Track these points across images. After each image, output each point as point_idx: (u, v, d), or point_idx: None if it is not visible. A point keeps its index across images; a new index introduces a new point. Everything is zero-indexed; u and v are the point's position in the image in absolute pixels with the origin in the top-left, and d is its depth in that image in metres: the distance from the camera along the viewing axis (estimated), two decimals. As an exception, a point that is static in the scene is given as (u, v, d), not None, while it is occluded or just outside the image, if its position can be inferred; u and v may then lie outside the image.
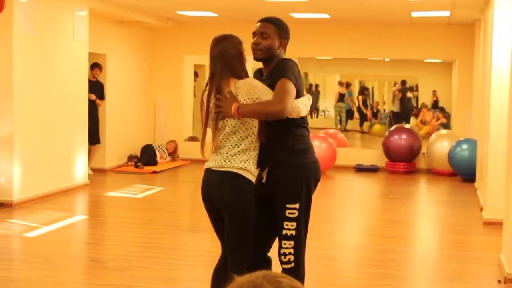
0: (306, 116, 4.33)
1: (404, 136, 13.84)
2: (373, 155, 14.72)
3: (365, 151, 16.10)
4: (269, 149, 4.23)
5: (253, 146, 4.20)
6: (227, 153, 4.20)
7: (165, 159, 14.25)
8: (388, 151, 13.96)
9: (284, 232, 4.27)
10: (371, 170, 14.19)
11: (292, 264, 4.32)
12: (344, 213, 10.10)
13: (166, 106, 15.26)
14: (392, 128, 14.50)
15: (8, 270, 6.68)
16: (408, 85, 22.07)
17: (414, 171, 13.98)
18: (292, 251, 4.30)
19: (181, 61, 15.42)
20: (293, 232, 4.28)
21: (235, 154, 4.17)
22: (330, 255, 7.45)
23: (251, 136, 4.19)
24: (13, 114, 9.26)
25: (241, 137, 4.18)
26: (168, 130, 15.22)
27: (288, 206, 4.25)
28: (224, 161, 4.20)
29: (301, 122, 4.30)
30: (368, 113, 23.16)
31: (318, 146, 13.46)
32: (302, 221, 4.32)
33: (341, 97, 23.42)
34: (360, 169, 14.23)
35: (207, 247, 7.70)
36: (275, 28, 4.33)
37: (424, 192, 12.77)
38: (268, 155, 4.25)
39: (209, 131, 4.35)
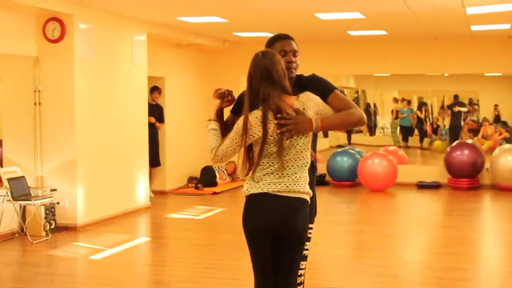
0: None
1: (466, 152, 13.61)
2: (435, 171, 14.51)
3: (427, 168, 15.86)
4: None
5: (307, 166, 3.96)
6: (294, 174, 3.85)
7: (225, 180, 14.30)
8: (450, 167, 13.74)
9: (304, 252, 4.13)
10: (434, 186, 13.98)
11: (301, 286, 4.30)
12: (407, 231, 9.95)
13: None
14: (454, 144, 14.27)
15: (74, 293, 6.77)
16: (469, 99, 21.71)
17: (478, 187, 13.72)
18: (303, 272, 4.28)
19: (238, 82, 15.47)
20: (307, 252, 4.26)
21: (301, 177, 3.88)
22: (394, 273, 7.33)
23: (308, 156, 3.93)
24: (75, 138, 9.42)
25: (306, 155, 3.89)
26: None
27: (309, 225, 4.13)
28: (294, 184, 3.86)
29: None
30: (428, 129, 22.85)
31: (379, 164, 13.35)
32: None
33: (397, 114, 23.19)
34: (422, 186, 14.04)
35: (269, 267, 7.67)
36: (297, 46, 4.20)
37: (488, 208, 12.51)
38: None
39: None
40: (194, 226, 10.11)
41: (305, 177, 3.90)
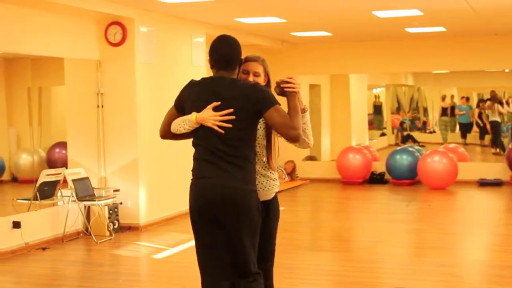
0: None
1: (529, 148, 13.41)
2: (497, 168, 14.32)
3: (488, 165, 15.67)
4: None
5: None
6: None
7: (284, 179, 14.36)
8: (513, 164, 13.55)
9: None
10: (495, 184, 13.79)
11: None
12: (468, 229, 9.86)
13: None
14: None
15: (138, 291, 6.92)
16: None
17: (541, 184, 13.50)
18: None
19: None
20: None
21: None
22: (456, 272, 7.28)
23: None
24: (137, 139, 9.60)
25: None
26: (286, 150, 15.20)
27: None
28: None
29: None
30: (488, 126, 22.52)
31: (439, 161, 13.24)
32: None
33: (444, 112, 22.97)
34: (484, 184, 13.86)
35: (329, 266, 7.71)
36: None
37: (552, 205, 12.29)
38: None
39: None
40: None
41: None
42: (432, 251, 8.32)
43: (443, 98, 23.33)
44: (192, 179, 4.28)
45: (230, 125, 4.06)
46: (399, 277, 7.11)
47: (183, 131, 4.24)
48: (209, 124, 4.08)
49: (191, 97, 4.24)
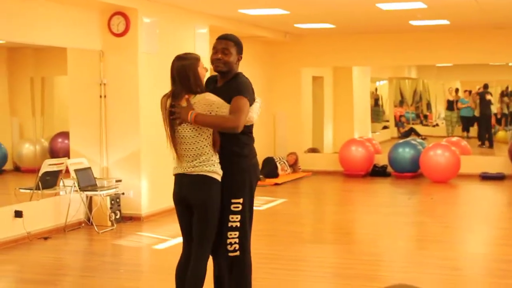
0: (252, 124, 4.84)
1: (531, 142, 13.39)
2: (499, 162, 14.31)
3: (490, 158, 15.64)
4: (221, 153, 4.73)
5: (212, 153, 4.67)
6: (193, 161, 4.65)
7: (286, 171, 14.35)
8: (515, 158, 13.54)
9: (229, 224, 4.76)
10: (498, 178, 13.78)
11: (238, 253, 4.80)
12: (470, 223, 9.85)
13: (285, 119, 15.38)
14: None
15: (139, 281, 6.92)
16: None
17: (544, 178, 13.49)
18: (237, 240, 4.79)
19: (299, 74, 15.52)
20: (238, 224, 4.78)
21: (200, 163, 4.64)
22: (457, 265, 7.28)
23: (209, 145, 4.66)
24: (139, 130, 9.60)
25: (201, 146, 4.64)
26: (288, 142, 15.32)
27: (233, 201, 4.75)
28: (193, 167, 4.65)
29: (247, 131, 4.80)
30: (492, 119, 22.46)
31: (441, 155, 13.23)
32: (246, 214, 4.83)
33: (450, 105, 22.91)
34: (486, 177, 13.85)
35: (331, 259, 7.72)
36: (235, 46, 4.83)
37: (554, 199, 12.28)
38: (219, 159, 4.72)
39: None
40: (256, 217, 10.05)
41: (208, 163, 4.62)
42: (433, 245, 8.32)
43: (451, 91, 23.25)
44: (253, 160, 4.90)
45: None
46: (400, 270, 7.12)
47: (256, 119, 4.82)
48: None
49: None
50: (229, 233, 4.77)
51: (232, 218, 4.77)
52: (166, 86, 10.29)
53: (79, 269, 7.51)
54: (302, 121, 15.67)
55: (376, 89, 24.06)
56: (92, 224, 9.13)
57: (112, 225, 9.19)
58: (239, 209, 4.78)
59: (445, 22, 12.74)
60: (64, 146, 13.06)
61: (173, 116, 4.61)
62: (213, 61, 4.80)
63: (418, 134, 22.45)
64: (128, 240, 8.64)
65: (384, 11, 11.04)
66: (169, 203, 10.08)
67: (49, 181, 8.91)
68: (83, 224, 9.31)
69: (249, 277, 4.92)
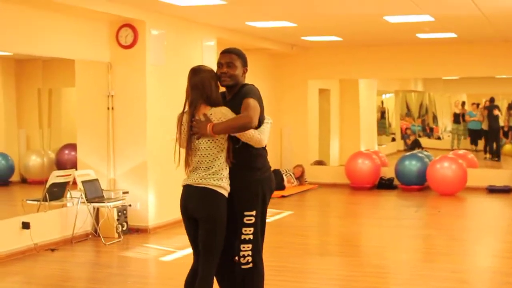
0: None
1: (538, 155, 13.37)
2: (506, 175, 14.28)
3: (498, 171, 15.62)
4: (234, 166, 4.77)
5: (224, 166, 4.72)
6: (202, 173, 4.69)
7: (293, 183, 14.36)
8: (522, 171, 13.52)
9: (243, 237, 4.80)
10: (505, 190, 13.75)
11: (251, 265, 4.83)
12: (477, 235, 9.83)
13: (292, 131, 15.39)
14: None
15: (146, 293, 6.92)
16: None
17: (551, 191, 13.46)
18: (250, 253, 4.82)
19: (305, 86, 15.55)
20: (251, 237, 4.81)
21: (210, 175, 4.68)
22: (464, 278, 7.26)
23: (221, 157, 4.71)
24: (146, 142, 9.62)
25: (213, 158, 4.69)
26: (295, 155, 15.33)
27: (246, 213, 4.79)
28: (201, 179, 4.69)
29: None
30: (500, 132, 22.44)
31: (448, 167, 13.22)
32: (258, 227, 4.85)
33: (456, 118, 22.91)
34: (493, 190, 13.82)
35: (337, 271, 7.71)
36: (239, 59, 4.87)
37: (562, 213, 12.24)
38: (232, 172, 4.77)
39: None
40: (262, 229, 10.16)
41: (217, 177, 4.68)
42: (440, 257, 8.31)
43: (457, 104, 23.26)
44: (266, 172, 4.99)
45: None
46: (407, 282, 7.11)
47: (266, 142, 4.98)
48: None
49: None
50: (242, 245, 4.80)
51: (245, 230, 4.80)
52: (173, 98, 10.38)
53: (86, 280, 7.52)
54: (309, 133, 15.69)
55: (382, 102, 24.06)
56: (99, 235, 9.14)
57: (119, 236, 9.20)
58: (252, 221, 4.81)
59: (452, 35, 12.76)
60: (71, 158, 13.09)
61: (193, 131, 4.67)
62: (219, 76, 4.82)
63: (420, 146, 22.44)
64: (135, 252, 8.64)
65: (391, 23, 11.07)
66: (176, 215, 10.10)
67: (57, 192, 8.94)
68: (90, 236, 9.32)
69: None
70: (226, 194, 4.72)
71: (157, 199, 9.84)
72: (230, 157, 4.73)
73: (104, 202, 9.06)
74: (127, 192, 9.51)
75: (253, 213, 4.81)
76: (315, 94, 16.42)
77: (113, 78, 9.69)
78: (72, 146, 12.28)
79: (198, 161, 4.72)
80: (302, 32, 12.45)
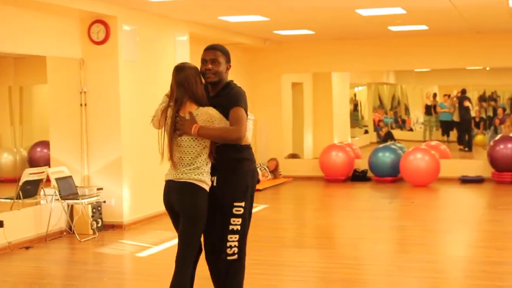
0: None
1: (510, 145, 13.51)
2: (478, 165, 14.42)
3: (470, 162, 15.75)
4: (222, 158, 4.80)
5: (206, 162, 4.75)
6: (183, 169, 4.72)
7: (267, 177, 14.38)
8: (494, 161, 13.65)
9: (230, 227, 4.83)
10: (477, 181, 13.89)
11: (236, 256, 4.89)
12: (451, 226, 9.91)
13: (265, 125, 15.41)
14: (498, 138, 14.19)
15: (123, 289, 6.90)
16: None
17: (523, 181, 13.62)
18: (237, 244, 4.87)
19: (279, 80, 15.57)
20: (239, 227, 4.86)
21: (191, 170, 4.71)
22: (439, 268, 7.33)
23: (203, 154, 4.73)
24: (120, 138, 9.58)
25: (194, 155, 4.72)
26: (269, 148, 15.35)
27: (235, 204, 4.83)
28: (182, 174, 4.72)
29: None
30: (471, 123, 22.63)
31: (421, 159, 13.32)
32: (246, 219, 4.91)
33: (428, 109, 23.09)
34: (465, 181, 13.96)
35: (313, 263, 7.74)
36: (223, 55, 4.89)
37: (533, 202, 12.38)
38: (220, 163, 4.81)
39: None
40: (238, 223, 10.16)
41: (198, 171, 4.70)
42: (415, 248, 8.38)
43: (429, 96, 23.43)
44: (253, 165, 5.03)
45: None
46: (382, 273, 7.16)
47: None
48: None
49: None
50: (229, 236, 4.83)
51: (234, 221, 4.83)
52: (147, 94, 10.32)
53: (61, 278, 7.48)
54: (282, 127, 15.71)
55: (355, 95, 24.16)
56: (73, 232, 9.09)
57: (94, 233, 9.16)
58: (241, 212, 4.86)
59: (423, 27, 12.84)
60: (43, 155, 12.99)
61: (176, 127, 4.70)
62: (203, 72, 4.84)
63: (393, 138, 22.59)
64: (110, 248, 8.61)
65: (364, 16, 11.11)
66: (151, 210, 10.16)
67: (30, 190, 8.87)
68: (64, 233, 9.27)
69: (242, 281, 5.03)
70: (207, 188, 4.74)
71: (132, 195, 9.80)
72: (213, 153, 4.76)
73: (78, 199, 9.00)
74: (101, 189, 9.46)
75: (243, 204, 4.86)
76: (289, 88, 16.45)
77: (85, 75, 9.63)
78: (45, 144, 12.18)
79: (180, 157, 4.75)
80: (274, 26, 12.45)
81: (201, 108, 4.71)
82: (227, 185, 4.83)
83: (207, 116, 4.68)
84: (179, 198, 4.72)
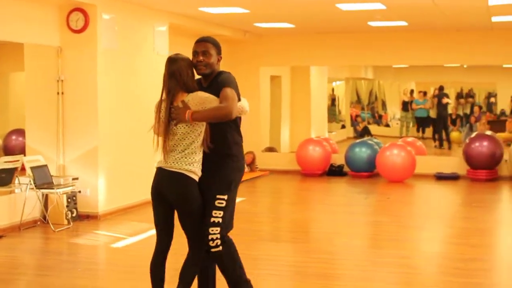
0: (240, 119, 5.17)
1: (485, 143, 13.61)
2: (453, 162, 14.52)
3: (445, 159, 15.87)
4: (211, 152, 4.88)
5: (198, 150, 4.82)
6: (176, 156, 4.79)
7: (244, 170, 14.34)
8: (469, 159, 13.74)
9: (212, 219, 4.89)
10: (452, 178, 13.98)
11: (220, 248, 4.94)
12: (425, 222, 9.97)
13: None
14: (473, 135, 14.29)
15: (96, 280, 6.85)
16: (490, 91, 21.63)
17: (497, 179, 13.72)
18: (219, 236, 4.91)
19: (257, 73, 15.54)
20: (220, 220, 4.90)
21: (182, 157, 4.77)
22: (413, 264, 7.37)
23: (197, 141, 4.80)
24: (97, 127, 9.51)
25: (189, 142, 4.79)
26: (246, 141, 15.21)
27: (218, 196, 4.90)
28: (173, 163, 4.79)
29: (237, 130, 5.13)
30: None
31: (397, 155, 13.38)
32: (228, 212, 4.97)
33: (405, 106, 23.23)
34: (441, 177, 14.05)
35: (288, 257, 7.75)
36: (214, 47, 5.00)
37: (507, 199, 12.49)
38: (209, 157, 4.89)
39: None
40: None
41: (189, 160, 4.78)
42: (389, 243, 8.41)
43: (406, 92, 23.56)
44: (241, 159, 5.13)
45: None
46: (356, 268, 7.18)
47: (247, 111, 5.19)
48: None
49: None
50: (210, 229, 4.89)
51: (215, 213, 4.89)
52: (125, 83, 10.24)
53: (35, 268, 7.42)
54: (260, 120, 15.70)
55: (332, 89, 24.23)
56: (48, 222, 9.02)
57: (69, 223, 9.10)
58: (223, 205, 4.91)
59: (403, 23, 12.88)
60: (18, 144, 12.90)
61: (171, 117, 4.77)
62: (195, 64, 4.92)
63: (369, 134, 22.69)
64: (85, 239, 8.56)
65: (344, 11, 11.12)
66: (127, 201, 10.11)
67: (4, 178, 8.77)
68: (38, 223, 9.19)
69: (238, 259, 5.13)
70: (196, 178, 4.83)
71: (107, 185, 9.75)
72: (207, 140, 4.85)
73: (53, 188, 8.94)
74: (76, 178, 9.40)
75: (225, 197, 4.92)
76: (267, 81, 16.44)
77: (63, 63, 9.55)
78: (20, 132, 12.10)
79: (174, 144, 4.81)
80: (254, 18, 12.43)
81: (191, 94, 4.80)
82: (213, 179, 4.90)
83: (198, 99, 4.76)
84: (169, 188, 4.82)
